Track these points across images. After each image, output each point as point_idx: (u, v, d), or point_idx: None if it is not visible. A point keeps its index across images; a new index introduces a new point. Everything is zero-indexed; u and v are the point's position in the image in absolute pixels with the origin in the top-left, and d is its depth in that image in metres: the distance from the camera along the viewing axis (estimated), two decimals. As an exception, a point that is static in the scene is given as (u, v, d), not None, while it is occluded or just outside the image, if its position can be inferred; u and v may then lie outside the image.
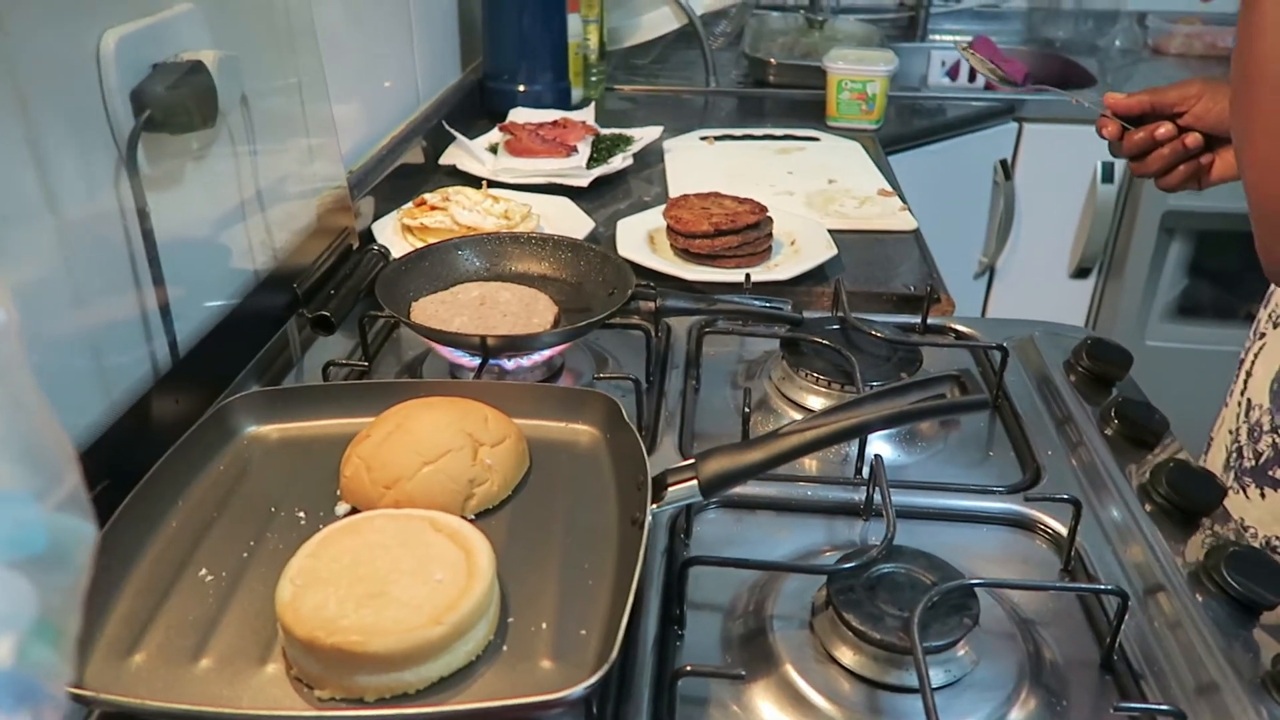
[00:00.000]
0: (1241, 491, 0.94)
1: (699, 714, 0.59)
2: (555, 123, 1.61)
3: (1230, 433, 0.98)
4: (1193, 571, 0.68)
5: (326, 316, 0.94)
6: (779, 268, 1.16)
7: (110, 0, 0.73)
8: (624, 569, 0.61)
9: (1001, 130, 2.05)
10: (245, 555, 0.65)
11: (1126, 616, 0.62)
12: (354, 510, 0.68)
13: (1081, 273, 2.20)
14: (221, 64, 0.82)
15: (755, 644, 0.64)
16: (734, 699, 0.60)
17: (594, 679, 0.51)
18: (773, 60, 2.10)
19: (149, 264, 0.77)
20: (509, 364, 0.90)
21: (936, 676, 0.59)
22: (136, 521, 0.65)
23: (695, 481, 0.63)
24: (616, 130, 1.64)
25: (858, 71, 1.78)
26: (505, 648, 0.58)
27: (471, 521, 0.65)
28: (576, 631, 0.59)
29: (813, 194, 1.44)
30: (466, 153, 1.52)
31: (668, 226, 1.19)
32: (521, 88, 1.77)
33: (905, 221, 1.34)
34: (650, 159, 1.60)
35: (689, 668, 0.58)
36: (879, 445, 0.83)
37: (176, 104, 0.77)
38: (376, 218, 1.26)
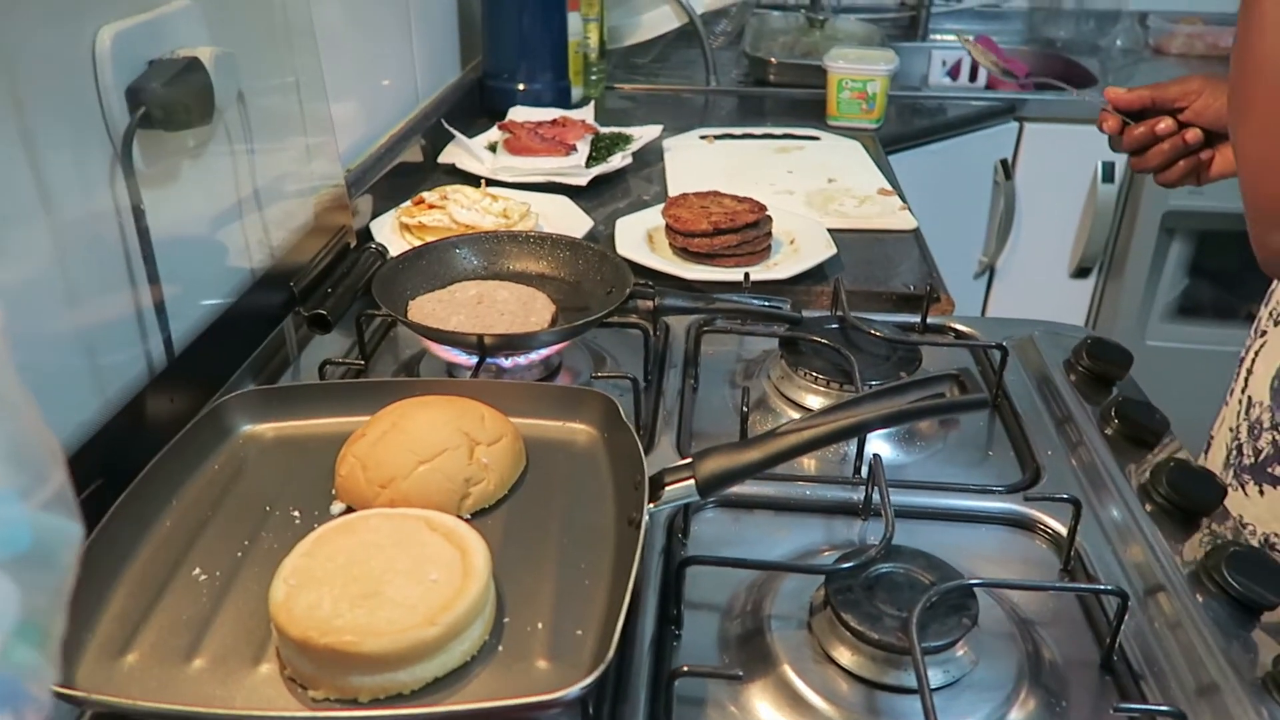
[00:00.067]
0: (1240, 489, 0.93)
1: (696, 714, 0.59)
2: (555, 121, 1.60)
3: (1231, 430, 0.97)
4: (1193, 571, 0.68)
5: (323, 315, 0.94)
6: (778, 267, 1.15)
7: (106, -4, 0.72)
8: (621, 569, 0.60)
9: (1002, 130, 2.05)
10: (239, 555, 0.65)
11: (1126, 617, 0.62)
12: (349, 509, 0.68)
13: (1082, 272, 2.19)
14: (218, 61, 0.81)
15: (753, 644, 0.63)
16: (731, 699, 0.60)
17: (590, 679, 0.50)
18: (773, 59, 2.10)
19: (144, 262, 0.77)
20: (506, 363, 0.89)
21: (935, 677, 0.58)
22: (130, 520, 0.64)
23: (692, 481, 0.63)
24: (616, 129, 1.64)
25: (858, 71, 1.77)
26: (501, 648, 0.57)
27: (467, 521, 0.65)
28: (573, 631, 0.58)
29: (812, 193, 1.44)
30: (465, 151, 1.51)
31: (667, 225, 1.19)
32: (521, 86, 1.76)
33: (905, 221, 1.34)
34: (650, 158, 1.59)
35: (686, 668, 0.57)
36: (878, 444, 0.83)
37: (173, 101, 0.76)
38: (375, 216, 1.25)
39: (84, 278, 0.70)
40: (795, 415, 0.88)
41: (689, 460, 0.64)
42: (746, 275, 1.08)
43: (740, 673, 0.59)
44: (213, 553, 0.65)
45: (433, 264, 1.00)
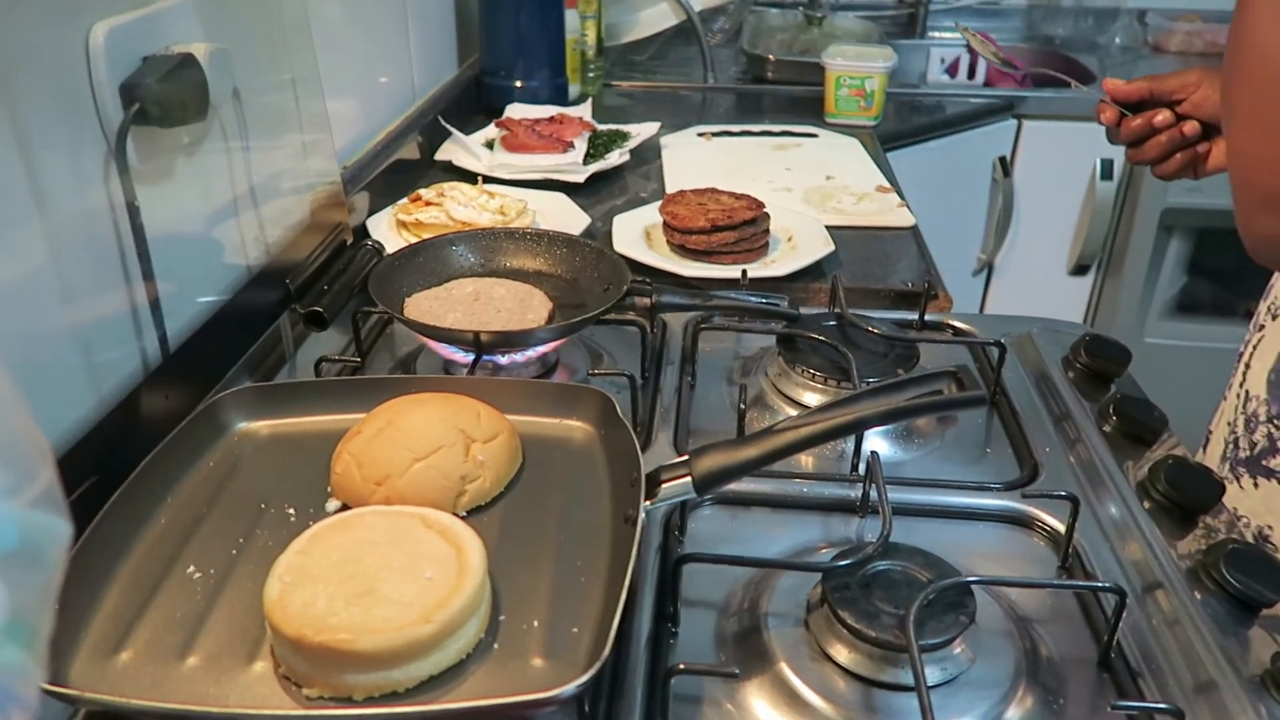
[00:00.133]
0: (1235, 481, 0.93)
1: (692, 712, 0.59)
2: (552, 118, 1.60)
3: (1229, 424, 0.98)
4: (1191, 569, 0.68)
5: (319, 312, 0.94)
6: (776, 264, 1.15)
7: (100, -8, 0.72)
8: (617, 566, 0.60)
9: (1000, 127, 2.04)
10: (234, 552, 0.64)
11: (1124, 614, 0.62)
12: (344, 507, 0.68)
13: (1080, 269, 2.19)
14: (213, 57, 0.81)
15: (750, 642, 0.63)
16: (728, 697, 0.60)
17: (586, 677, 0.50)
18: (771, 56, 2.09)
19: (139, 259, 0.76)
20: (503, 360, 0.89)
21: (932, 674, 0.58)
22: (124, 518, 0.64)
23: (689, 478, 0.63)
24: (613, 126, 1.63)
25: (856, 68, 1.77)
26: (496, 646, 0.57)
27: (463, 518, 0.65)
28: (569, 629, 0.58)
29: (810, 190, 1.43)
30: (462, 148, 1.51)
31: (664, 222, 1.18)
32: (518, 83, 1.76)
33: (903, 218, 1.34)
34: (647, 155, 1.59)
35: (682, 666, 0.57)
36: (875, 442, 0.83)
37: (167, 97, 0.76)
38: (371, 213, 1.25)
39: (78, 275, 0.70)
40: (793, 412, 0.87)
41: (686, 457, 0.64)
42: (744, 272, 1.08)
43: (737, 670, 0.58)
44: (207, 550, 0.64)
45: (429, 261, 1.00)
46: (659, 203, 1.22)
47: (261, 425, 0.77)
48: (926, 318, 1.01)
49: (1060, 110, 2.04)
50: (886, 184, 1.46)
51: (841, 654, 0.60)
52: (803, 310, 0.96)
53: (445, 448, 0.68)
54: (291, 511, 0.68)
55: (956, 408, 0.87)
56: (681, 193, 1.23)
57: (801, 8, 2.35)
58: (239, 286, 0.91)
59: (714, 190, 1.24)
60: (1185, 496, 0.74)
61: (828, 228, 1.22)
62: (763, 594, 0.66)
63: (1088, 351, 0.93)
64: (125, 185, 0.74)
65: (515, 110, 1.68)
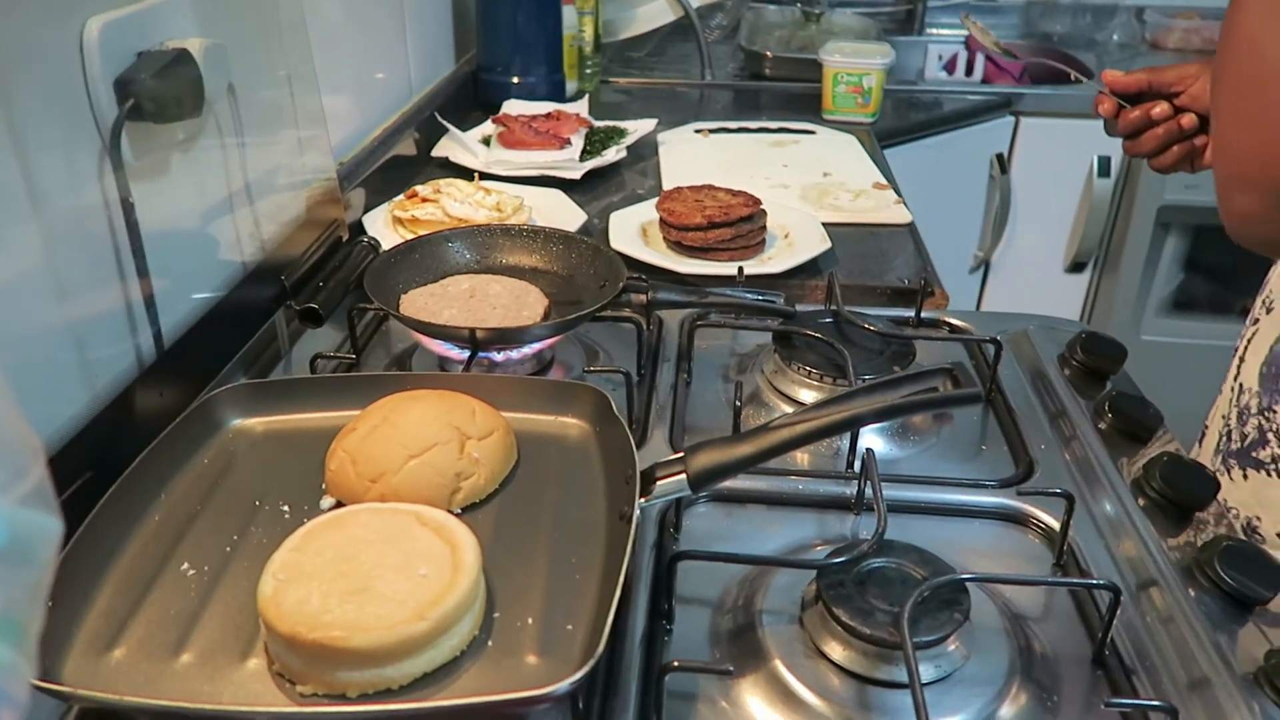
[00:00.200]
0: (1226, 473, 0.94)
1: (687, 710, 0.59)
2: (549, 115, 1.60)
3: (1223, 418, 0.98)
4: (1185, 566, 0.68)
5: (315, 309, 0.93)
6: (772, 261, 1.15)
7: (93, -13, 0.72)
8: (612, 563, 0.60)
9: (998, 124, 2.05)
10: (228, 549, 0.64)
11: (1119, 611, 0.62)
12: (339, 504, 0.68)
13: (1077, 267, 2.19)
14: (208, 52, 0.81)
15: (744, 639, 0.63)
16: (722, 694, 0.60)
17: (580, 674, 0.50)
18: (769, 53, 2.09)
19: (133, 255, 0.76)
20: (499, 357, 0.89)
21: (927, 672, 0.58)
22: (118, 515, 0.64)
23: (684, 475, 0.63)
24: (610, 123, 1.63)
25: (854, 65, 1.77)
26: (490, 643, 0.57)
27: (458, 516, 0.65)
28: (563, 626, 0.58)
29: (807, 187, 1.43)
30: (459, 145, 1.51)
31: (661, 219, 1.18)
32: (515, 80, 1.76)
33: (900, 215, 1.34)
34: (644, 152, 1.59)
35: (677, 663, 0.57)
36: (871, 439, 0.82)
37: (162, 93, 0.76)
38: (367, 210, 1.25)
39: (72, 271, 0.70)
40: (788, 409, 0.87)
41: (681, 454, 0.64)
42: (740, 269, 1.08)
43: (731, 668, 0.58)
44: (201, 547, 0.64)
45: (425, 258, 1.00)
46: (656, 199, 1.22)
47: (256, 422, 0.77)
48: (923, 315, 1.01)
49: (1058, 107, 2.04)
50: (884, 181, 1.46)
51: (836, 651, 0.60)
52: (799, 307, 0.96)
53: (440, 445, 0.67)
54: (286, 508, 0.68)
55: (952, 405, 0.87)
56: (678, 189, 1.23)
57: (799, 4, 2.35)
58: (234, 283, 0.91)
59: (711, 187, 1.23)
60: (1180, 494, 0.74)
61: (825, 225, 1.22)
62: (757, 591, 0.66)
63: (1084, 349, 0.93)
64: (120, 181, 0.74)
65: (512, 106, 1.68)
